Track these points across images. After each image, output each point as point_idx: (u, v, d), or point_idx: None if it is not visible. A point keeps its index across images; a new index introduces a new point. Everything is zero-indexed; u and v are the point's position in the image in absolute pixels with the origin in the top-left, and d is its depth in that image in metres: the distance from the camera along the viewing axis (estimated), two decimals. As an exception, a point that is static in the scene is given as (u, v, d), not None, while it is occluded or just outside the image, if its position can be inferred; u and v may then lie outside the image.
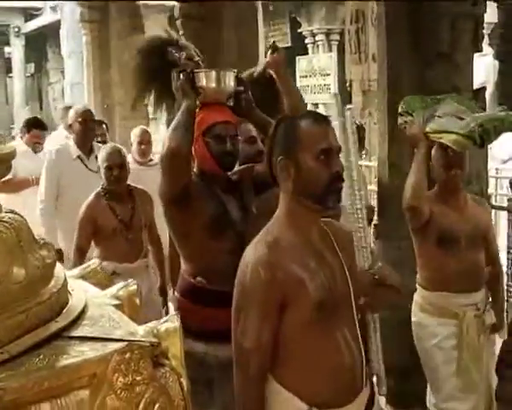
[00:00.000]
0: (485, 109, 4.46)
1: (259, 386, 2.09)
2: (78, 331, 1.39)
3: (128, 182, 4.65)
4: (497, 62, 17.56)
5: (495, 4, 17.73)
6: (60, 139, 6.81)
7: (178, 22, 6.24)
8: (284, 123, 2.25)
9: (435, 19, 4.08)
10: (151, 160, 5.99)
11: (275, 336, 2.10)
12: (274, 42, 3.58)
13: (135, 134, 6.08)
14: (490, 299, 3.73)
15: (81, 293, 1.57)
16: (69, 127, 5.79)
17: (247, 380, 2.09)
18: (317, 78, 11.61)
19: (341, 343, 2.14)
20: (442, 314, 3.56)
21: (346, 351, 2.15)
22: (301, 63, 11.98)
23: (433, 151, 3.56)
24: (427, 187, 3.51)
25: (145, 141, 6.04)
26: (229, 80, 3.04)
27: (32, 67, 25.68)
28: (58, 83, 22.29)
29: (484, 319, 3.56)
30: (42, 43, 23.78)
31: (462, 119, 3.36)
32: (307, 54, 14.48)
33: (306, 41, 15.31)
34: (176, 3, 6.51)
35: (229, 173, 3.15)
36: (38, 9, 21.34)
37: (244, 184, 3.15)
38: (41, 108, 25.21)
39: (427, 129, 3.42)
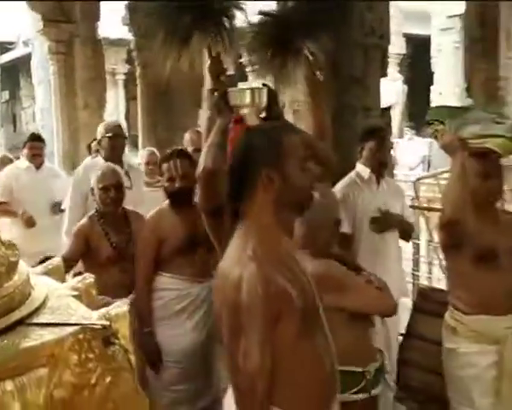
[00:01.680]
0: (390, 125, 4.55)
1: (267, 408, 1.77)
2: (39, 319, 1.40)
3: (136, 203, 4.06)
4: (405, 87, 18.08)
5: (403, 38, 18.25)
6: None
7: (134, 54, 6.25)
8: (257, 135, 2.00)
9: (350, 49, 4.12)
10: (158, 181, 5.34)
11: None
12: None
13: (142, 155, 5.68)
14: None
15: (43, 286, 1.57)
16: (98, 143, 4.94)
17: (254, 405, 1.75)
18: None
19: (322, 351, 1.90)
20: (481, 340, 2.89)
21: (326, 358, 1.90)
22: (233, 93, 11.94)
23: (466, 160, 2.92)
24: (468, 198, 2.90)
25: (152, 162, 5.56)
26: (262, 97, 2.79)
27: (6, 94, 25.27)
28: (30, 108, 21.90)
29: None
30: (15, 73, 23.43)
31: (501, 123, 2.84)
32: (247, 80, 14.49)
33: (247, 69, 15.35)
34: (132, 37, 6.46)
35: None
36: (12, 43, 21.05)
37: None
38: (15, 130, 24.80)
39: (466, 135, 2.83)
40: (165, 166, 3.51)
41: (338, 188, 3.59)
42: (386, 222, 3.67)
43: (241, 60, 15.26)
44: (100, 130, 4.87)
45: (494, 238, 2.88)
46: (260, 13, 3.09)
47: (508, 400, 2.82)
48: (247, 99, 2.76)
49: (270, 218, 1.87)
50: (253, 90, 2.79)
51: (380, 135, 3.73)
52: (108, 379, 1.42)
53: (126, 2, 6.82)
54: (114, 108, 18.54)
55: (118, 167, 4.09)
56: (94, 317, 1.49)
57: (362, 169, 3.72)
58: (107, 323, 1.49)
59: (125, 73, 17.63)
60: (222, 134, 2.68)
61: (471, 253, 2.88)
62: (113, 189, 3.63)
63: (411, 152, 12.59)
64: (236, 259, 1.81)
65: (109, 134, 4.70)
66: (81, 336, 1.33)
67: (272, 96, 2.81)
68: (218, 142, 2.67)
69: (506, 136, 2.76)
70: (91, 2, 8.56)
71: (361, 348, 2.38)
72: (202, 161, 2.63)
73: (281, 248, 1.89)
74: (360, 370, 2.31)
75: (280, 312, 1.74)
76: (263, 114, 2.84)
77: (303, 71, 3.04)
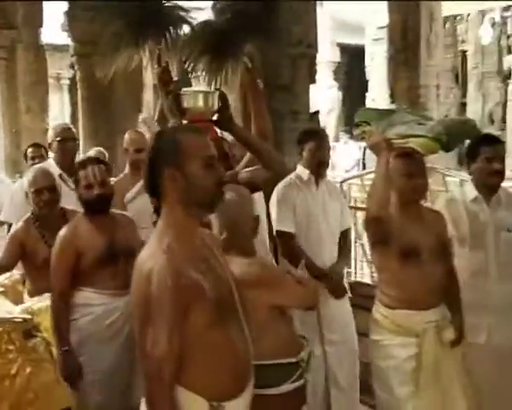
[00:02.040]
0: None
1: (173, 394, 1.83)
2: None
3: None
4: (340, 93, 18.42)
5: (338, 47, 18.61)
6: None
7: (74, 59, 6.23)
8: (164, 136, 2.03)
9: (277, 58, 4.20)
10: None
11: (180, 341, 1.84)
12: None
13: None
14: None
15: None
16: (49, 146, 4.69)
17: (161, 389, 1.80)
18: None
19: (234, 338, 1.94)
20: (403, 333, 2.95)
21: (239, 344, 1.95)
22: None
23: (391, 160, 2.98)
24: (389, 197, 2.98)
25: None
26: (214, 100, 2.85)
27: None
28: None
29: (443, 336, 2.94)
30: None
31: (423, 124, 2.92)
32: (191, 86, 14.50)
33: (190, 76, 15.36)
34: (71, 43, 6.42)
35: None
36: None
37: None
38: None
39: (391, 135, 2.90)
40: (82, 173, 3.24)
41: (278, 188, 3.59)
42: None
43: (185, 66, 15.33)
44: (50, 133, 4.70)
45: (418, 236, 2.92)
46: (200, 23, 3.15)
47: (424, 389, 2.89)
48: (200, 102, 2.83)
49: (180, 214, 1.91)
50: (205, 93, 2.85)
51: (318, 135, 3.73)
52: (29, 370, 1.46)
53: (66, 9, 6.77)
54: (59, 112, 18.25)
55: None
56: (17, 311, 1.52)
57: (301, 171, 3.71)
58: (29, 316, 1.53)
59: (69, 78, 17.33)
60: None
61: (396, 250, 2.92)
62: (45, 191, 3.52)
63: (347, 155, 12.86)
64: (151, 252, 1.86)
65: (58, 138, 4.47)
66: (0, 328, 1.36)
67: (224, 99, 2.86)
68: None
69: (427, 136, 2.83)
70: (34, 8, 8.42)
71: (292, 339, 2.39)
72: None
73: (195, 242, 1.94)
74: (294, 360, 2.31)
75: (190, 302, 1.80)
76: (215, 117, 2.89)
77: (240, 77, 3.11)
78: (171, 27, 3.00)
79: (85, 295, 3.16)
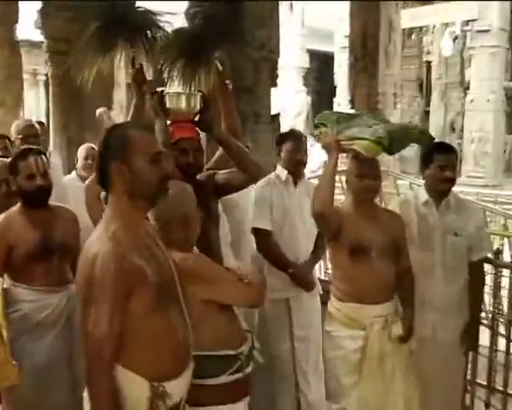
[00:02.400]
0: (279, 131, 4.66)
1: (112, 372, 1.86)
2: None
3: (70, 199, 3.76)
4: (309, 97, 18.59)
5: (308, 53, 18.79)
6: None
7: (46, 56, 6.20)
8: (114, 131, 2.05)
9: (241, 62, 4.22)
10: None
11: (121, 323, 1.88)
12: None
13: (81, 150, 5.18)
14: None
15: None
16: (11, 144, 4.43)
17: (101, 368, 1.83)
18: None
19: (174, 321, 1.99)
20: (351, 326, 3.00)
21: (179, 328, 2.00)
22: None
23: (348, 162, 3.07)
24: (334, 195, 3.00)
25: (91, 156, 5.00)
26: (196, 101, 2.89)
27: None
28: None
29: (390, 331, 2.96)
30: None
31: (371, 127, 2.96)
32: (165, 86, 14.50)
33: (164, 75, 15.35)
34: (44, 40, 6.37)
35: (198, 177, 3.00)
36: None
37: (207, 188, 2.97)
38: None
39: (342, 137, 2.95)
40: (22, 163, 3.06)
41: (256, 187, 3.57)
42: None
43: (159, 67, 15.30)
44: (12, 130, 4.51)
45: (368, 234, 2.95)
46: (175, 29, 3.18)
47: (367, 380, 2.93)
48: (183, 103, 2.87)
49: (126, 204, 1.95)
50: (188, 95, 2.89)
51: (295, 136, 3.72)
52: (-22, 352, 1.47)
53: (39, 6, 6.73)
54: (35, 106, 18.12)
55: None
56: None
57: (280, 171, 3.71)
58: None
59: (45, 74, 17.19)
60: (166, 134, 2.80)
61: (346, 246, 2.96)
62: (3, 183, 3.38)
63: (313, 157, 12.98)
64: (97, 238, 1.91)
65: (20, 135, 4.32)
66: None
67: (205, 101, 2.91)
68: (166, 141, 2.75)
69: (370, 138, 2.86)
70: (9, 5, 8.35)
71: (233, 332, 2.34)
72: None
73: (139, 231, 1.98)
74: (234, 353, 2.28)
75: (133, 287, 1.85)
76: (196, 118, 2.95)
77: (211, 80, 3.13)
78: (146, 31, 3.03)
79: (17, 291, 3.05)
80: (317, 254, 3.74)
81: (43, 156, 3.17)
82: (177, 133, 2.93)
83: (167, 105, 2.87)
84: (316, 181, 3.55)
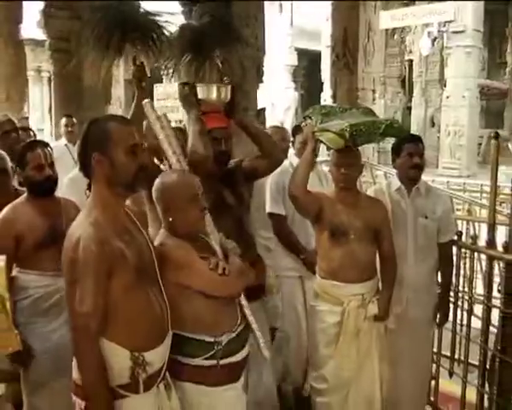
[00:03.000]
0: (264, 124, 4.73)
1: (98, 345, 1.93)
2: None
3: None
4: (297, 93, 18.59)
5: (296, 52, 18.80)
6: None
7: (49, 54, 6.24)
8: (95, 124, 2.05)
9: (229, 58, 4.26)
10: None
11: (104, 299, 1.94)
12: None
13: (61, 122, 5.62)
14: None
15: None
16: None
17: (88, 342, 1.91)
18: (169, 100, 11.61)
19: (152, 299, 2.05)
20: (331, 301, 3.05)
21: (156, 304, 2.06)
22: (158, 89, 11.94)
23: (332, 153, 3.12)
24: (308, 180, 3.05)
25: (70, 124, 5.57)
26: (227, 92, 2.84)
27: None
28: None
29: (367, 309, 3.01)
30: None
31: (343, 120, 2.98)
32: (162, 82, 14.45)
33: (162, 72, 15.31)
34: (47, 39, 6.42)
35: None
36: None
37: (237, 176, 2.94)
38: None
39: (315, 129, 3.00)
40: (30, 154, 2.98)
41: (273, 174, 3.50)
42: None
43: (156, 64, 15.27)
44: None
45: (347, 219, 3.00)
46: (181, 25, 3.21)
47: (342, 352, 3.00)
48: (214, 94, 2.82)
49: (106, 192, 2.01)
50: (219, 86, 2.84)
51: (300, 128, 3.68)
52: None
53: (42, 7, 6.79)
54: (39, 101, 18.08)
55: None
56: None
57: (294, 159, 3.74)
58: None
59: (49, 71, 17.18)
60: (202, 123, 2.74)
61: (327, 229, 3.02)
62: None
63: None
64: (79, 223, 1.97)
65: (0, 132, 4.05)
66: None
67: (234, 93, 2.86)
68: (202, 130, 2.72)
69: (332, 131, 2.90)
70: (14, 6, 8.37)
71: (216, 320, 2.27)
72: (193, 147, 2.65)
73: (119, 216, 2.04)
74: (211, 339, 2.23)
75: (113, 267, 1.92)
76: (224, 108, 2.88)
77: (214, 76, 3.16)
78: (149, 32, 3.01)
79: (26, 277, 2.94)
80: None
81: (49, 148, 3.09)
82: (209, 123, 2.86)
83: (199, 96, 2.80)
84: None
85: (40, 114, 17.50)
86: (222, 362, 2.24)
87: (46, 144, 3.11)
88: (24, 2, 8.42)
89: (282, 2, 17.00)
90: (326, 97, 12.70)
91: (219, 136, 2.88)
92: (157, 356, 2.04)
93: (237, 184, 2.93)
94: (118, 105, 7.33)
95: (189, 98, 2.78)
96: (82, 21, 6.50)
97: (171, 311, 2.16)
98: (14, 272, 2.94)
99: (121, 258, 1.93)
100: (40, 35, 9.99)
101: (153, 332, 2.03)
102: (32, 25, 9.48)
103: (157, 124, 2.57)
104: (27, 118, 8.11)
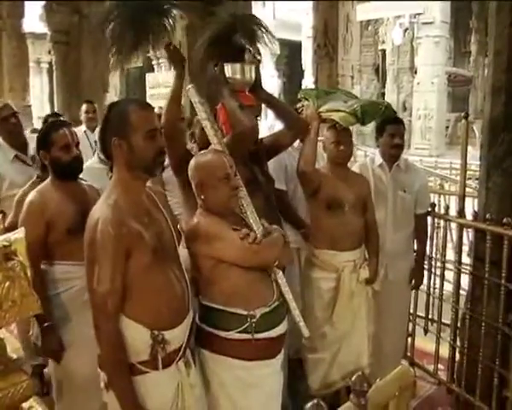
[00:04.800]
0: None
1: (116, 322, 1.84)
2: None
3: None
4: (280, 81, 18.48)
5: (279, 42, 18.64)
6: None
7: (50, 46, 6.16)
8: (116, 108, 1.94)
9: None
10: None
11: (123, 279, 1.84)
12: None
13: (82, 109, 5.26)
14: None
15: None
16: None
17: (105, 319, 1.82)
18: (160, 89, 11.51)
19: (172, 278, 1.94)
20: (325, 268, 3.04)
21: (177, 284, 1.95)
22: (149, 78, 11.84)
23: (325, 131, 3.07)
24: (316, 157, 3.02)
25: (91, 110, 5.19)
26: (252, 72, 2.65)
27: None
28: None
29: (359, 274, 3.04)
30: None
31: (347, 102, 2.99)
32: (153, 71, 14.31)
33: (153, 62, 15.17)
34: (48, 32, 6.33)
35: None
36: None
37: (261, 154, 2.79)
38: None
39: (321, 109, 2.97)
40: (55, 134, 2.65)
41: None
42: None
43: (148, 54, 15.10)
44: None
45: (342, 192, 3.00)
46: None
47: (338, 312, 3.00)
48: (240, 73, 2.64)
49: (126, 175, 1.92)
50: (243, 66, 2.66)
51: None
52: (7, 284, 1.57)
53: (44, 3, 6.70)
54: (40, 91, 17.88)
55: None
56: (-2, 240, 1.61)
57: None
58: (8, 243, 1.63)
59: (48, 62, 16.97)
60: (236, 99, 2.56)
61: (324, 202, 3.01)
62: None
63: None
64: (99, 206, 1.89)
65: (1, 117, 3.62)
66: (-15, 252, 1.46)
67: (258, 72, 2.68)
68: (240, 106, 2.53)
69: (346, 111, 2.90)
70: (16, 1, 8.26)
71: (248, 293, 2.14)
72: (237, 124, 2.51)
73: (139, 199, 1.94)
74: (243, 312, 2.11)
75: (131, 248, 1.83)
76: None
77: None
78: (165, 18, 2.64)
79: (64, 268, 2.60)
80: None
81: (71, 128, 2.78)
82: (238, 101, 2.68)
83: (228, 75, 2.61)
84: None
85: (40, 102, 17.31)
86: (256, 336, 2.11)
87: (69, 124, 2.82)
88: (26, -3, 8.32)
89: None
90: (307, 84, 12.67)
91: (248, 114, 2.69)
92: (177, 335, 1.94)
93: (262, 162, 2.81)
94: (114, 93, 7.26)
95: (219, 77, 2.58)
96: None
97: (205, 284, 2.11)
98: (44, 266, 2.59)
99: (139, 239, 1.84)
100: (39, 28, 9.87)
101: (172, 312, 1.94)
102: (32, 19, 9.37)
103: (200, 107, 2.45)
104: (30, 106, 8.06)
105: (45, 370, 3.37)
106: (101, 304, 1.81)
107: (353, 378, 1.42)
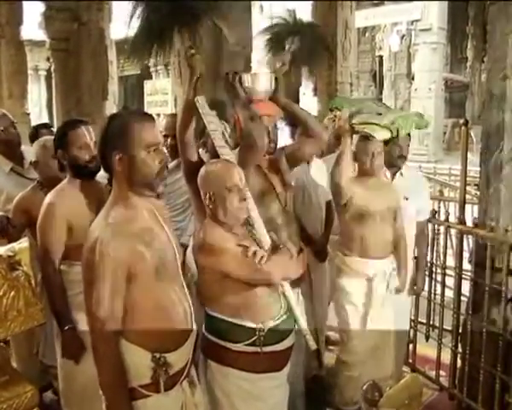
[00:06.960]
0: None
1: (116, 345, 1.75)
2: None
3: None
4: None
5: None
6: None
7: (49, 53, 6.17)
8: (116, 120, 1.83)
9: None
10: None
11: (123, 302, 1.74)
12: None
13: None
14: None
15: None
16: None
17: (105, 343, 1.72)
18: (158, 96, 11.56)
19: (175, 299, 1.85)
20: (357, 276, 3.03)
21: (178, 305, 1.86)
22: (147, 85, 11.88)
23: (356, 141, 3.03)
24: (352, 169, 3.02)
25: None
26: (271, 80, 2.57)
27: None
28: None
29: (389, 282, 3.03)
30: None
31: (380, 115, 2.98)
32: (151, 79, 14.36)
33: (151, 70, 15.21)
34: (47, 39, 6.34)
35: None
36: None
37: (281, 164, 2.70)
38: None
39: (354, 121, 2.95)
40: (72, 133, 2.59)
41: None
42: None
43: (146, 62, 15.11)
44: None
45: (373, 202, 2.99)
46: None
47: (374, 319, 2.98)
48: (259, 82, 2.56)
49: (126, 190, 1.81)
50: (262, 75, 2.61)
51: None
52: (12, 294, 1.57)
53: (42, 10, 6.71)
54: (37, 98, 17.90)
55: None
56: (2, 250, 1.62)
57: None
58: (12, 254, 1.63)
59: (46, 70, 17.03)
60: (248, 108, 2.50)
61: (355, 212, 3.00)
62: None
63: (283, 139, 13.09)
64: (98, 224, 1.77)
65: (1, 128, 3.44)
66: (-9, 263, 1.46)
67: (277, 82, 2.60)
68: (252, 115, 2.49)
69: (380, 124, 2.91)
70: (15, 8, 8.27)
71: (257, 306, 2.11)
72: (247, 133, 2.47)
73: (140, 215, 1.82)
74: (251, 325, 2.09)
75: (131, 270, 1.73)
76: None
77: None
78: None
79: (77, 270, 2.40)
80: (329, 225, 3.56)
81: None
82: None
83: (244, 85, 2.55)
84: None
85: (38, 109, 17.33)
86: (264, 349, 2.09)
87: (86, 122, 2.72)
88: (23, 4, 8.33)
89: (263, 2, 16.90)
90: (305, 91, 12.70)
91: (267, 124, 2.64)
92: (179, 357, 1.86)
93: (284, 170, 2.72)
94: (112, 100, 7.26)
95: (236, 86, 2.49)
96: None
97: (213, 295, 2.06)
98: (64, 267, 2.53)
99: (140, 260, 1.74)
100: (38, 36, 9.86)
101: (174, 334, 1.85)
102: (29, 26, 9.36)
103: (208, 118, 2.39)
104: (29, 114, 8.04)
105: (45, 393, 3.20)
106: (99, 328, 1.72)
107: (364, 387, 1.42)
